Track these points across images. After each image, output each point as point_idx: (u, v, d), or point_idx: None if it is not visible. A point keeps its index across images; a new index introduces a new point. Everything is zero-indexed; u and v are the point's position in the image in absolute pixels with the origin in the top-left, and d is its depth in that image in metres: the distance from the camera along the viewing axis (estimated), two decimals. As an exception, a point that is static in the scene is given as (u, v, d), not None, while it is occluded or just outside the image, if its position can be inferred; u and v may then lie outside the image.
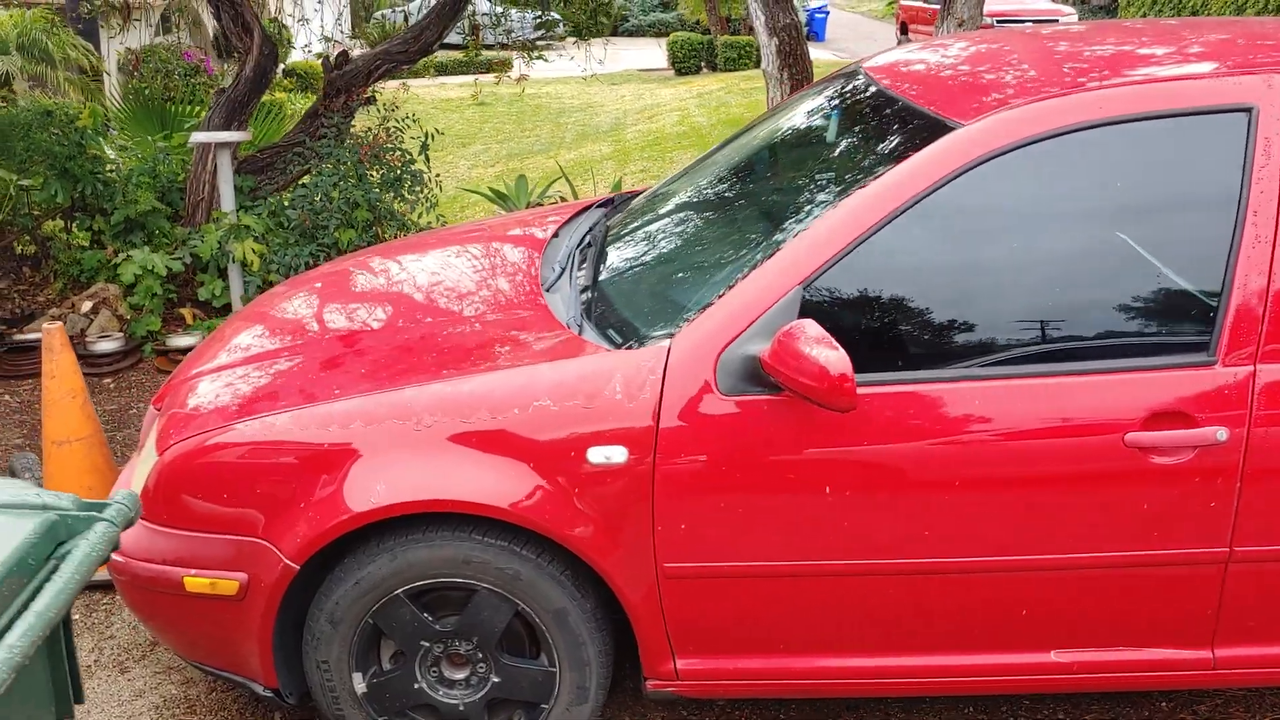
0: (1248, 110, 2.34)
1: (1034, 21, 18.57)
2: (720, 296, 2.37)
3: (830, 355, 2.13)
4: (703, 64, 24.58)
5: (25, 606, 1.20)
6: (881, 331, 2.37)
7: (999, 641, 2.47)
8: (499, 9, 7.69)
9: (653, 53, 27.71)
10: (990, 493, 2.33)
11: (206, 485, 2.47)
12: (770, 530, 2.37)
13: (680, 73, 24.44)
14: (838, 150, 2.78)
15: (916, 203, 2.33)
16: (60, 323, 3.41)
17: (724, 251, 2.66)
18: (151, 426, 2.82)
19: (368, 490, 2.38)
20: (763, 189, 2.90)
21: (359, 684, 2.57)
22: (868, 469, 2.33)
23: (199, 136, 5.28)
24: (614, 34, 29.72)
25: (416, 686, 2.57)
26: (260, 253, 5.19)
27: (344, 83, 5.74)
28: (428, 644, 2.53)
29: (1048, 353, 2.34)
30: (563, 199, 7.06)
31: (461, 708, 2.58)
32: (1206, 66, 2.44)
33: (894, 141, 2.51)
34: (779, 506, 2.36)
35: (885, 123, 2.67)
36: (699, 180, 3.26)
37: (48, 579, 1.25)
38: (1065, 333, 2.35)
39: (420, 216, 5.64)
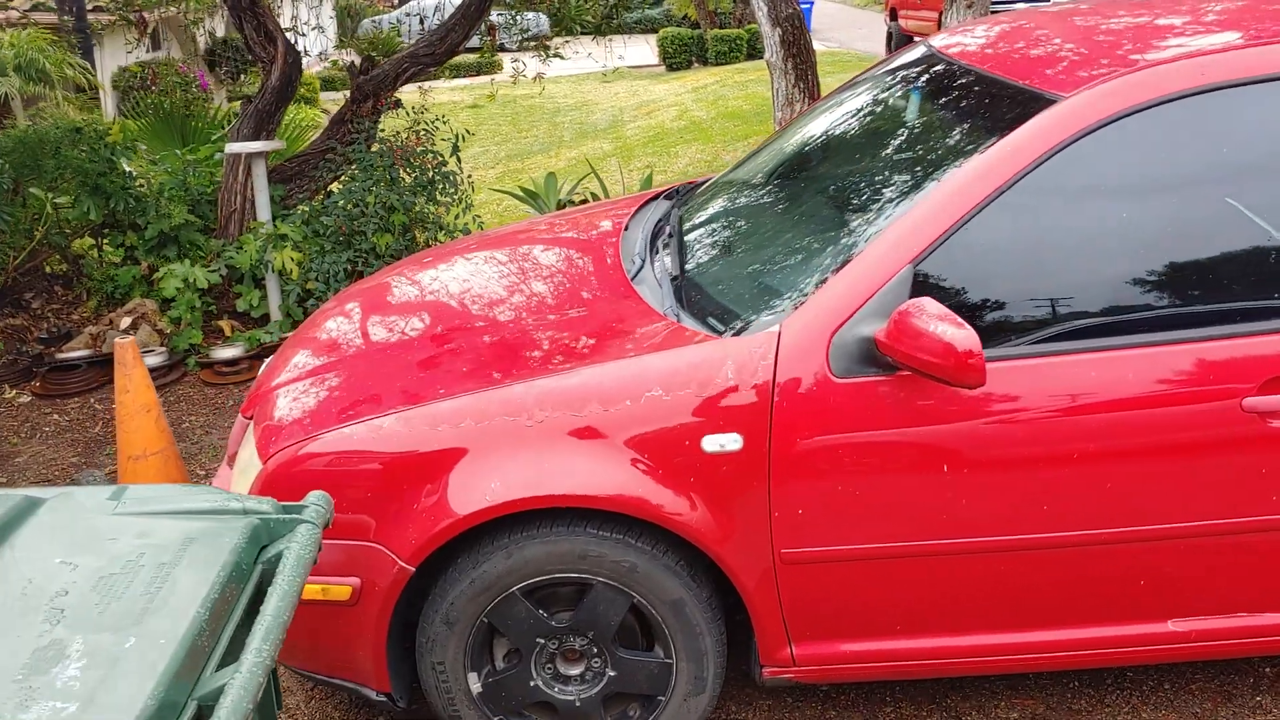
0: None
1: None
2: (829, 278, 2.36)
3: (957, 333, 2.12)
4: (694, 59, 24.57)
5: (246, 611, 1.19)
6: (995, 306, 2.36)
7: (1117, 613, 2.47)
8: (513, 10, 7.66)
9: (642, 49, 27.69)
10: (1109, 464, 2.33)
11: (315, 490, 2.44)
12: (887, 511, 2.36)
13: (672, 68, 24.44)
14: (928, 129, 2.77)
15: (1023, 177, 2.32)
16: (132, 336, 3.38)
17: (819, 234, 2.64)
18: (244, 436, 2.80)
19: (482, 488, 2.37)
20: (847, 171, 2.88)
21: (474, 684, 2.55)
22: (987, 446, 2.32)
23: (234, 147, 5.25)
24: (599, 31, 29.71)
25: (532, 684, 2.56)
26: (299, 260, 5.17)
27: (372, 87, 5.71)
28: (543, 640, 2.52)
29: (1163, 321, 2.33)
30: (594, 195, 7.04)
31: (578, 703, 2.57)
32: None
33: (993, 116, 2.50)
34: (895, 487, 2.35)
35: (976, 99, 2.65)
36: (768, 166, 3.24)
37: (261, 583, 1.23)
38: (1178, 301, 2.34)
39: (456, 218, 5.62)
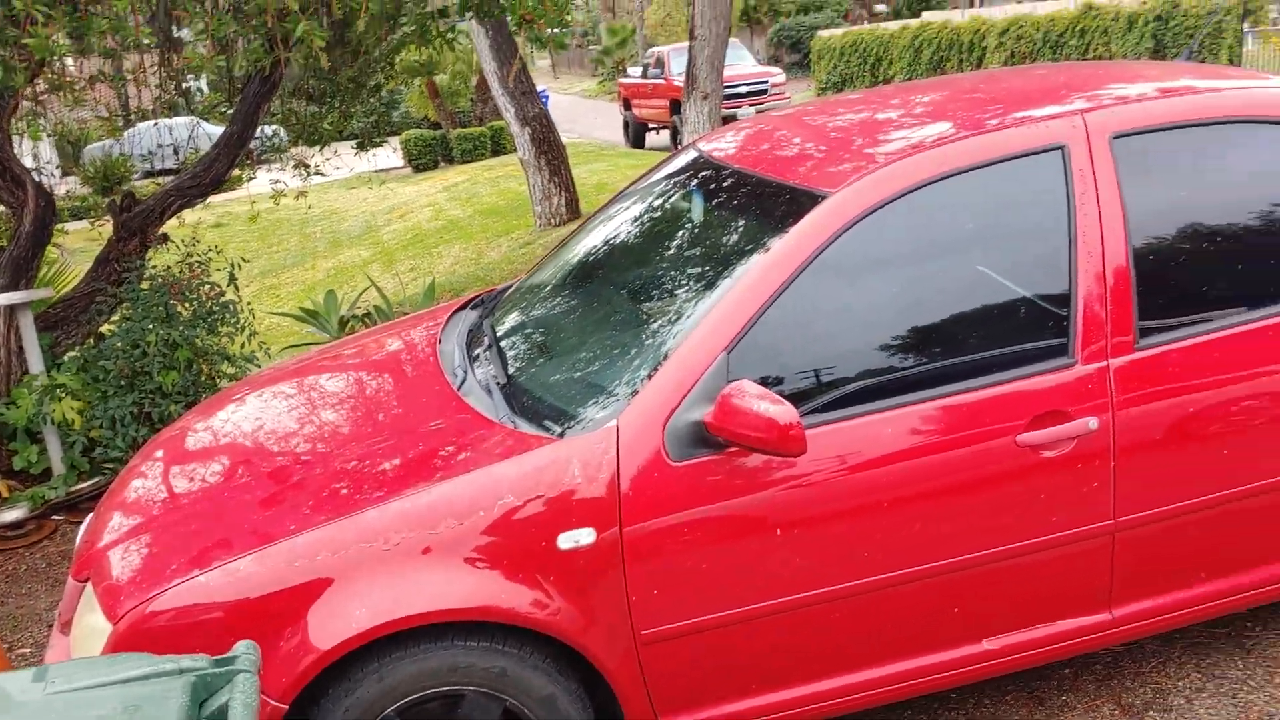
0: (1060, 148, 2.77)
1: (749, 85, 19.91)
2: (657, 370, 2.57)
3: (777, 409, 2.37)
4: (439, 158, 24.82)
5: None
6: (801, 379, 2.62)
7: (942, 640, 2.75)
8: (271, 130, 7.64)
9: (384, 153, 27.66)
10: (915, 507, 2.62)
11: (173, 644, 2.42)
12: (733, 579, 2.57)
13: (418, 169, 24.59)
14: (716, 227, 3.05)
15: (808, 264, 2.62)
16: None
17: (637, 332, 2.86)
18: (79, 599, 2.71)
19: (345, 618, 2.41)
20: (647, 271, 3.12)
21: (359, 812, 2.55)
22: (811, 505, 2.57)
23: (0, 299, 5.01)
24: (340, 139, 29.52)
25: (420, 800, 2.58)
26: (79, 409, 4.96)
27: (137, 224, 5.59)
28: (423, 756, 2.56)
29: (943, 376, 2.66)
30: (377, 309, 7.06)
31: (463, 811, 2.61)
32: (1022, 117, 2.85)
33: (774, 214, 2.80)
34: (737, 555, 2.56)
35: (754, 199, 2.96)
36: (568, 270, 3.45)
37: (207, 739, 1.27)
38: (954, 356, 2.68)
39: (241, 347, 5.54)
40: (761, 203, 2.91)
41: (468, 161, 23.91)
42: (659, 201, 3.42)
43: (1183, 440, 2.74)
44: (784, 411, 2.37)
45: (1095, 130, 2.80)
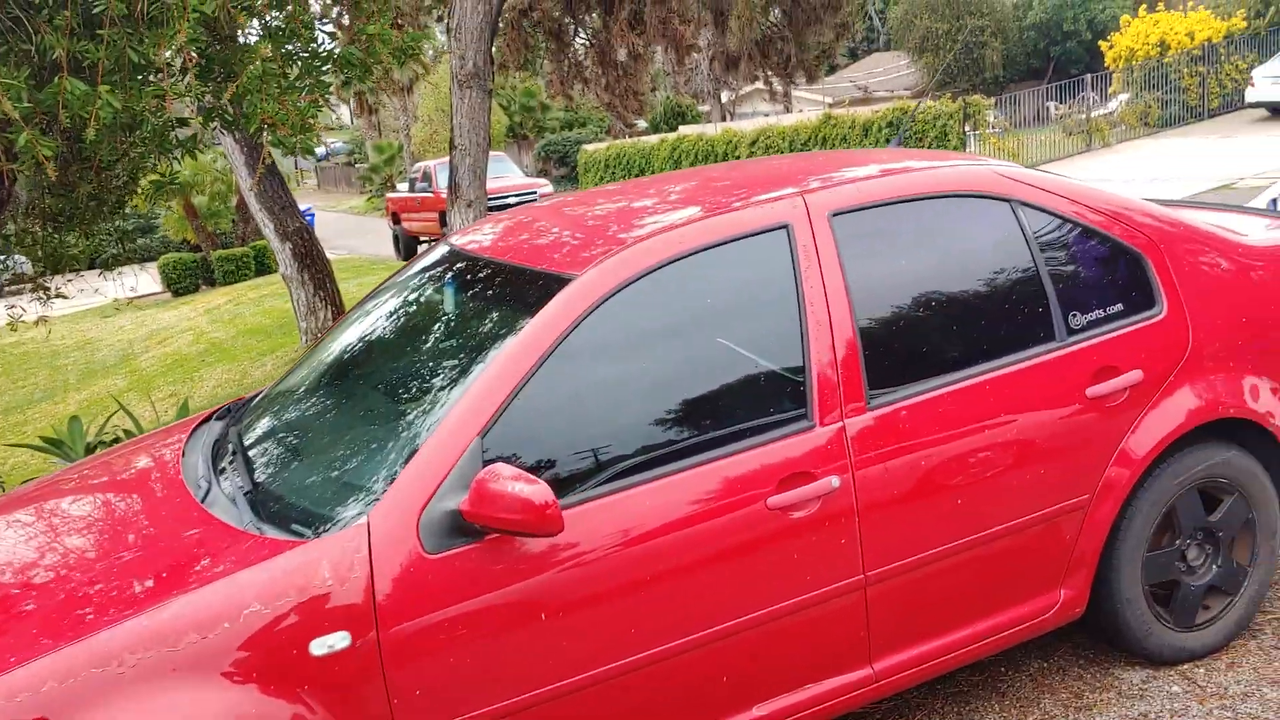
0: (785, 227, 2.94)
1: (518, 196, 20.24)
2: (408, 463, 2.52)
3: (532, 489, 2.37)
4: (200, 281, 23.95)
5: None
6: (556, 459, 2.63)
7: (715, 710, 2.77)
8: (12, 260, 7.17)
9: (141, 279, 26.45)
10: (677, 577, 2.65)
11: None
12: (502, 669, 2.51)
13: (178, 293, 23.63)
14: (467, 316, 3.05)
15: (558, 345, 2.65)
16: None
17: (386, 427, 2.80)
18: None
19: (80, 754, 2.21)
20: (398, 365, 3.08)
21: None
22: (574, 586, 2.56)
23: None
24: (91, 266, 28.13)
25: None
26: None
27: None
28: None
29: (694, 448, 2.72)
30: (126, 433, 6.64)
31: None
32: (749, 200, 3.02)
33: (522, 299, 2.83)
34: (505, 645, 2.51)
35: (503, 286, 2.99)
36: (318, 372, 3.36)
37: None
38: (703, 428, 2.75)
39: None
40: (511, 289, 2.94)
41: (231, 283, 23.19)
42: (411, 296, 3.40)
43: (920, 491, 2.90)
44: (539, 490, 2.37)
45: (815, 209, 2.98)
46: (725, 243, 2.89)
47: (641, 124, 34.30)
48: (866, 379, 2.89)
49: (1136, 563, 3.24)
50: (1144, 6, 25.66)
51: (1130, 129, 22.06)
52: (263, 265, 23.37)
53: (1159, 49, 23.15)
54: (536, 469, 2.57)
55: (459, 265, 3.28)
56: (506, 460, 2.53)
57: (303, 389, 3.32)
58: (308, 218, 27.96)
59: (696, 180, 3.53)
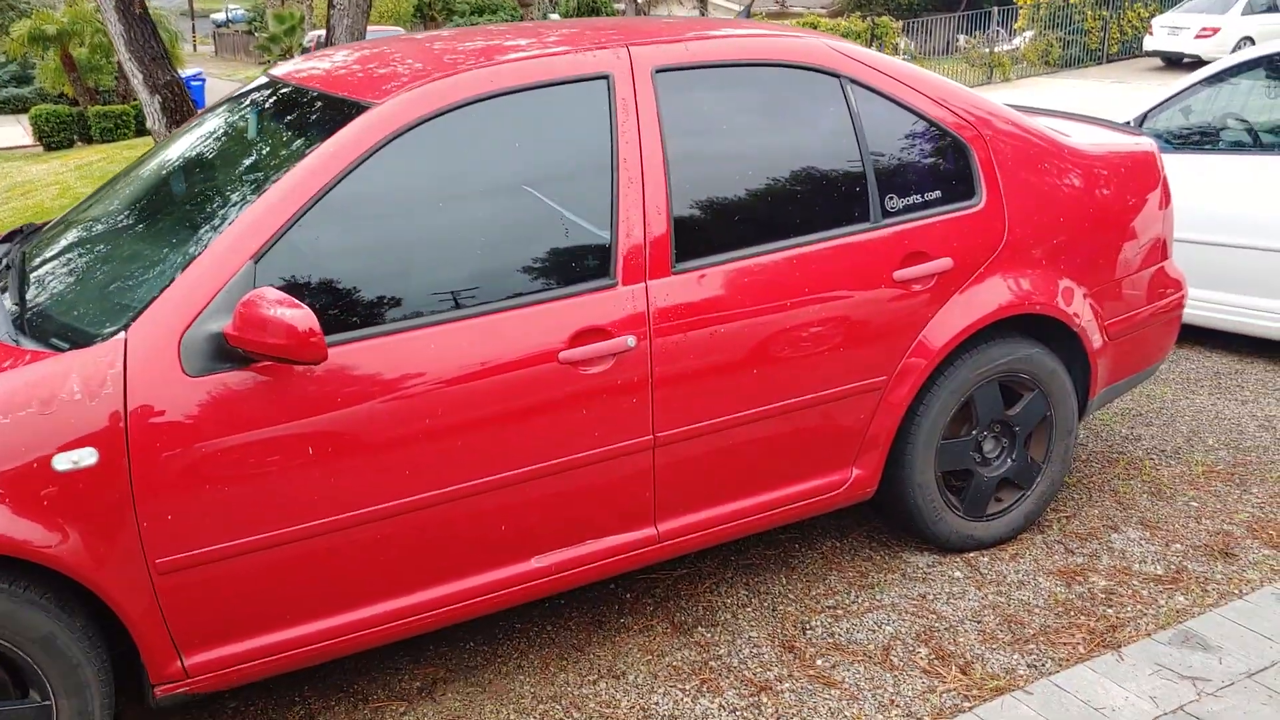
0: (605, 77, 2.85)
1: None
2: (173, 281, 2.40)
3: (295, 313, 2.27)
4: (75, 137, 22.80)
5: None
6: (337, 293, 2.53)
7: (490, 560, 2.75)
8: None
9: (13, 130, 25.14)
10: (460, 421, 2.60)
11: None
12: (260, 502, 2.44)
13: (50, 148, 22.46)
14: (265, 142, 2.91)
15: (349, 173, 2.54)
16: None
17: (165, 247, 2.66)
18: None
19: None
20: (190, 189, 2.93)
21: None
22: (345, 423, 2.49)
23: None
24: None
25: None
26: None
27: None
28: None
29: (486, 293, 2.65)
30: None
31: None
32: (571, 46, 2.91)
33: (319, 124, 2.70)
34: (265, 477, 2.43)
35: (307, 113, 2.85)
36: (118, 196, 3.18)
37: None
38: (496, 278, 2.68)
39: None
40: (312, 116, 2.81)
41: (109, 140, 22.13)
42: (219, 123, 3.22)
43: (717, 360, 2.88)
44: (303, 316, 2.28)
45: (639, 62, 2.89)
46: (540, 86, 2.79)
47: (555, 17, 33.49)
48: (674, 243, 2.84)
49: (931, 449, 3.30)
50: (1059, -55, 25.80)
51: (1031, 66, 22.33)
52: (144, 126, 22.32)
53: (1067, -11, 23.37)
54: (311, 299, 2.47)
55: (271, 93, 3.12)
56: (281, 287, 2.42)
57: (95, 212, 3.15)
58: (198, 83, 26.81)
59: (544, 29, 3.39)
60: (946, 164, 3.24)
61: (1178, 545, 3.50)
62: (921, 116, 3.22)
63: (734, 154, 2.99)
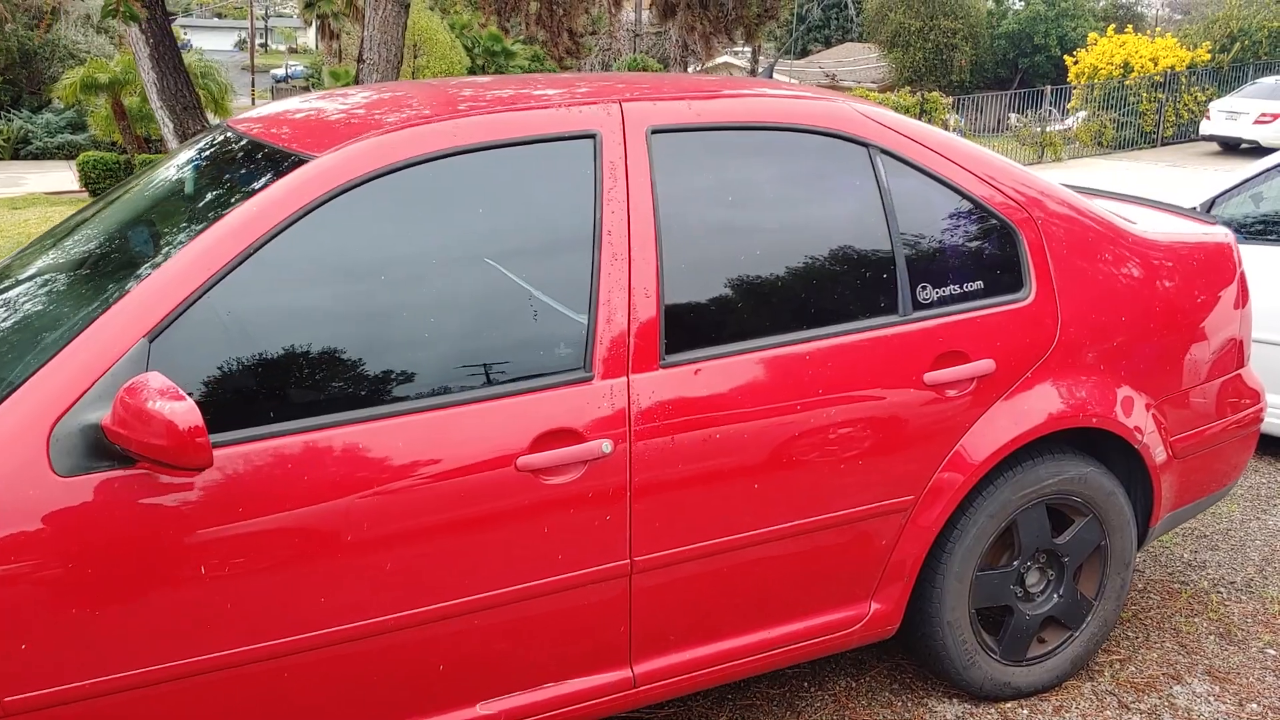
0: (592, 136, 2.44)
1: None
2: (51, 359, 1.99)
3: (176, 407, 1.85)
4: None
5: None
6: (245, 383, 2.12)
7: (426, 706, 2.29)
8: None
9: (62, 175, 25.37)
10: (390, 543, 2.16)
11: None
12: (135, 632, 2.00)
13: (95, 193, 22.58)
14: (192, 200, 2.52)
15: (274, 237, 2.14)
16: None
17: (57, 317, 2.27)
18: None
19: None
20: (105, 250, 2.54)
21: None
22: (246, 541, 2.05)
23: None
24: (15, 157, 26.92)
25: None
26: None
27: None
28: None
29: (432, 385, 2.22)
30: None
31: None
32: (554, 99, 2.51)
33: (250, 179, 2.31)
34: (141, 602, 2.00)
35: (242, 166, 2.46)
36: (30, 257, 2.80)
37: None
38: (446, 367, 2.25)
39: None
40: (247, 170, 2.42)
41: (151, 189, 22.18)
42: (159, 176, 2.85)
43: (710, 471, 2.43)
44: (185, 410, 1.86)
45: (632, 120, 2.49)
46: (513, 144, 2.39)
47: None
48: (665, 331, 2.41)
49: (965, 581, 2.81)
50: (1112, 28, 25.47)
51: (1083, 146, 21.90)
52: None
53: (1122, 70, 22.99)
54: (211, 389, 2.06)
55: (219, 145, 2.74)
56: (177, 373, 2.01)
57: (12, 271, 2.77)
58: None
59: (539, 82, 2.99)
60: (990, 250, 2.79)
61: (1254, 705, 2.97)
62: (962, 194, 2.78)
63: (741, 230, 2.57)
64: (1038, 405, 2.77)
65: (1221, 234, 3.29)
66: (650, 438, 2.36)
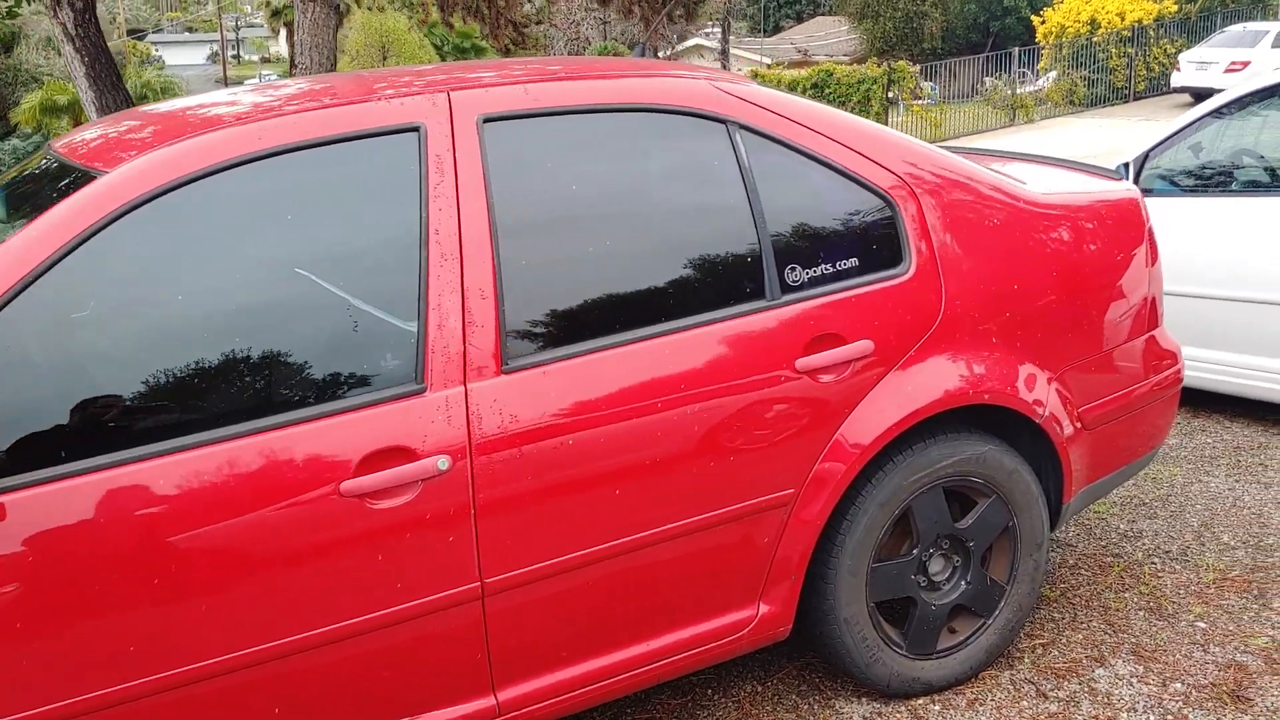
0: (416, 129, 2.29)
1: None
2: None
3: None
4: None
5: None
6: (38, 411, 1.96)
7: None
8: None
9: None
10: (196, 579, 2.01)
11: None
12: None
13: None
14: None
15: (57, 262, 1.98)
16: None
17: None
18: None
19: None
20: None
21: None
22: (37, 585, 1.90)
23: None
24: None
25: None
26: None
27: None
28: None
29: (240, 415, 2.07)
30: None
31: None
32: (378, 92, 2.35)
33: (42, 201, 2.15)
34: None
35: (43, 188, 2.30)
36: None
37: None
38: (255, 389, 2.10)
39: None
40: (46, 192, 2.25)
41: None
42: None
43: (566, 479, 2.28)
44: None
45: (461, 109, 2.33)
46: (329, 142, 2.23)
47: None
48: (505, 334, 2.26)
49: (860, 575, 2.66)
50: (1080, -16, 25.25)
51: (1055, 106, 21.74)
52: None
53: (1089, 27, 22.80)
54: (-7, 428, 1.91)
55: (37, 166, 2.58)
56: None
57: None
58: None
59: (374, 78, 2.82)
60: (866, 225, 2.63)
61: (1177, 685, 2.82)
62: (833, 168, 2.62)
63: (589, 219, 2.41)
64: (923, 385, 2.62)
65: (1126, 189, 3.14)
66: (494, 450, 2.21)
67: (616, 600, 2.41)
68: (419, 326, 2.20)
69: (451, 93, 2.35)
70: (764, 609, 2.60)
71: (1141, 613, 3.17)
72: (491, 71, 2.53)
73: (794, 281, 2.53)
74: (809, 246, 2.57)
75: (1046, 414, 2.79)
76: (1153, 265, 3.08)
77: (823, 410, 2.53)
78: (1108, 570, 3.44)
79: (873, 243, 2.63)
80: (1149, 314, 3.07)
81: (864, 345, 2.55)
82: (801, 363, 2.49)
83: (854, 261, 2.60)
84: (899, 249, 2.65)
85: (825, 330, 2.52)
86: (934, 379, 2.63)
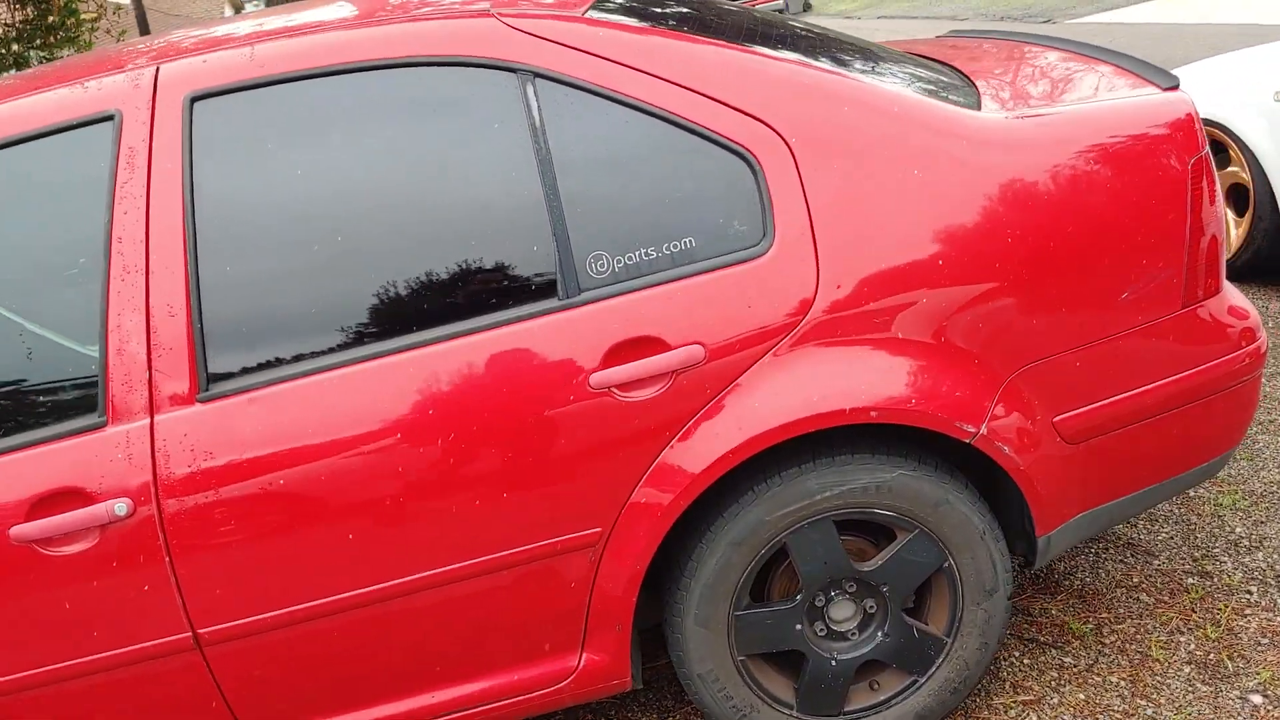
0: (111, 118, 1.98)
1: None
2: None
3: None
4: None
5: None
6: None
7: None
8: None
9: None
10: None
11: None
12: None
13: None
14: None
15: None
16: None
17: None
18: None
19: None
20: None
21: None
22: None
23: None
24: None
25: None
26: None
27: None
28: None
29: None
30: None
31: None
32: (80, 73, 2.05)
33: None
34: None
35: None
36: None
37: None
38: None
39: None
40: None
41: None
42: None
43: (281, 522, 1.96)
44: None
45: (167, 88, 1.99)
46: (6, 144, 1.98)
47: None
48: (204, 357, 1.94)
49: (716, 625, 2.16)
50: None
51: None
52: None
53: None
54: None
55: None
56: None
57: None
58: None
59: (92, 56, 2.47)
60: (710, 191, 2.03)
61: (1169, 792, 2.10)
62: (667, 119, 2.03)
63: (323, 215, 1.99)
64: (779, 399, 2.02)
65: (1161, 102, 2.21)
66: (185, 493, 1.93)
67: (378, 649, 2.08)
68: (100, 351, 1.93)
69: (162, 65, 2.01)
70: (587, 658, 2.17)
71: (1188, 669, 2.40)
72: (225, 30, 2.15)
73: (599, 274, 2.00)
74: (625, 227, 2.01)
75: (982, 431, 2.09)
76: (1200, 212, 2.20)
77: (635, 434, 2.01)
78: (1178, 597, 2.64)
79: (719, 214, 2.02)
80: (1192, 278, 2.21)
81: (690, 352, 1.99)
82: (597, 378, 1.98)
83: (689, 241, 2.02)
84: (759, 220, 2.02)
85: (637, 334, 1.99)
86: (795, 391, 2.02)
